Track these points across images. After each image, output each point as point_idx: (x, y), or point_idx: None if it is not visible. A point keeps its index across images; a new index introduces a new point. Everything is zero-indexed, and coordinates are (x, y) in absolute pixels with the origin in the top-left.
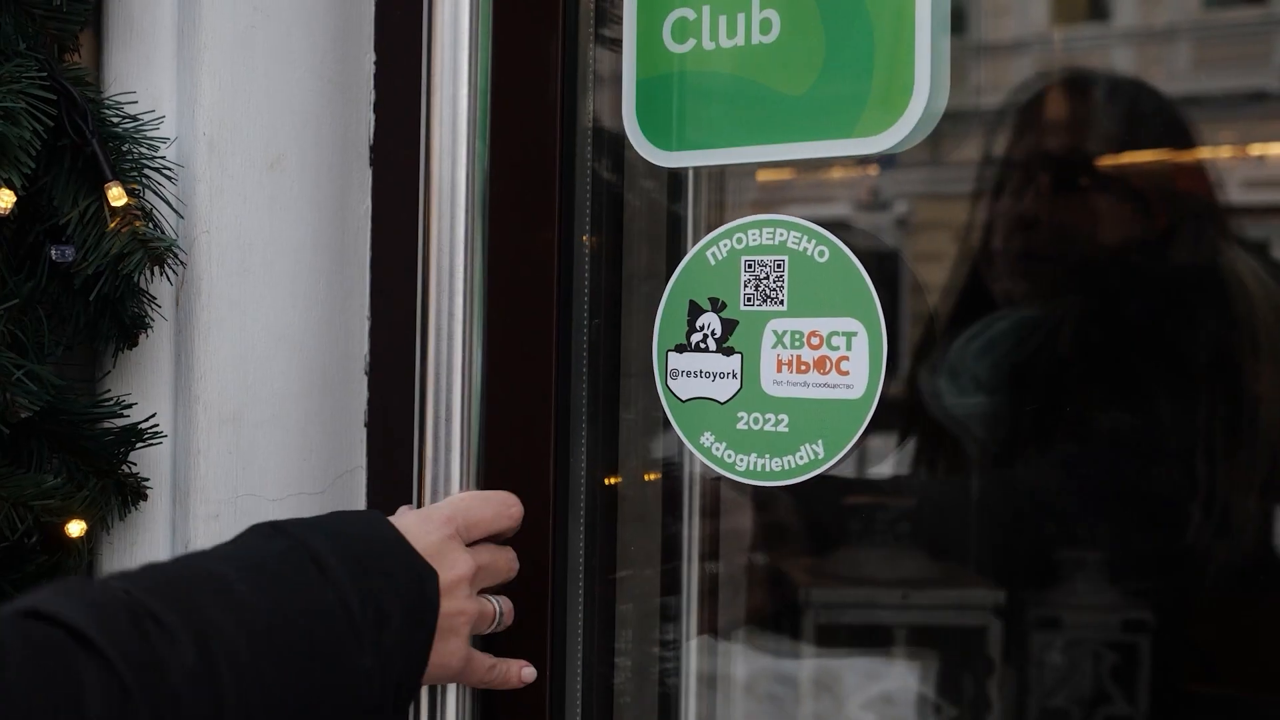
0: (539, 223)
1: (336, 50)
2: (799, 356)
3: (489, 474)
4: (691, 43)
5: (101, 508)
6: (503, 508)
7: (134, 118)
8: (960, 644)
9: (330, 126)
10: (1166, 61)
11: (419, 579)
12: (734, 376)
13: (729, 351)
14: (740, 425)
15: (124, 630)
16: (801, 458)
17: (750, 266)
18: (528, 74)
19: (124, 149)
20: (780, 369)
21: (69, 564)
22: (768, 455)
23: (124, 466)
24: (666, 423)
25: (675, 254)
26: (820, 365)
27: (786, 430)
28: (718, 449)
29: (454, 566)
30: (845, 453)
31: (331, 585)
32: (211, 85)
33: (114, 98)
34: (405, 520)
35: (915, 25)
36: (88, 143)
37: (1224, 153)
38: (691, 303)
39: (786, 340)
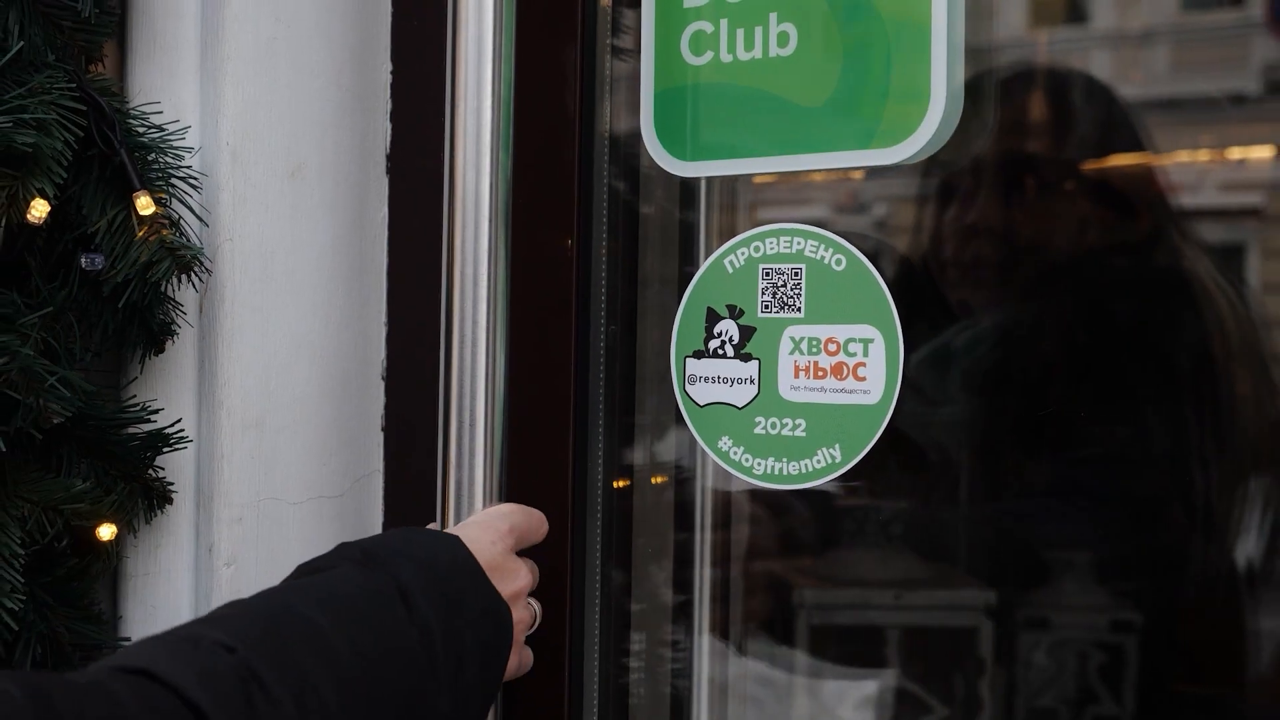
0: (558, 231)
1: (354, 61)
2: (816, 362)
3: (510, 479)
4: (709, 55)
5: (128, 511)
6: (540, 522)
7: (159, 128)
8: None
9: (349, 135)
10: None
11: (497, 615)
12: (751, 382)
13: (747, 357)
14: (758, 430)
15: (233, 701)
16: (819, 461)
17: (768, 274)
18: (548, 85)
19: (150, 158)
20: (798, 375)
21: (97, 567)
22: (785, 459)
23: (150, 471)
24: (683, 427)
25: (692, 261)
26: (837, 371)
27: (804, 435)
28: (735, 453)
29: (516, 579)
30: (862, 456)
31: (417, 626)
32: (234, 96)
33: (139, 108)
34: (470, 533)
35: (931, 36)
36: (116, 153)
37: (1191, 156)
38: (709, 310)
39: (804, 346)
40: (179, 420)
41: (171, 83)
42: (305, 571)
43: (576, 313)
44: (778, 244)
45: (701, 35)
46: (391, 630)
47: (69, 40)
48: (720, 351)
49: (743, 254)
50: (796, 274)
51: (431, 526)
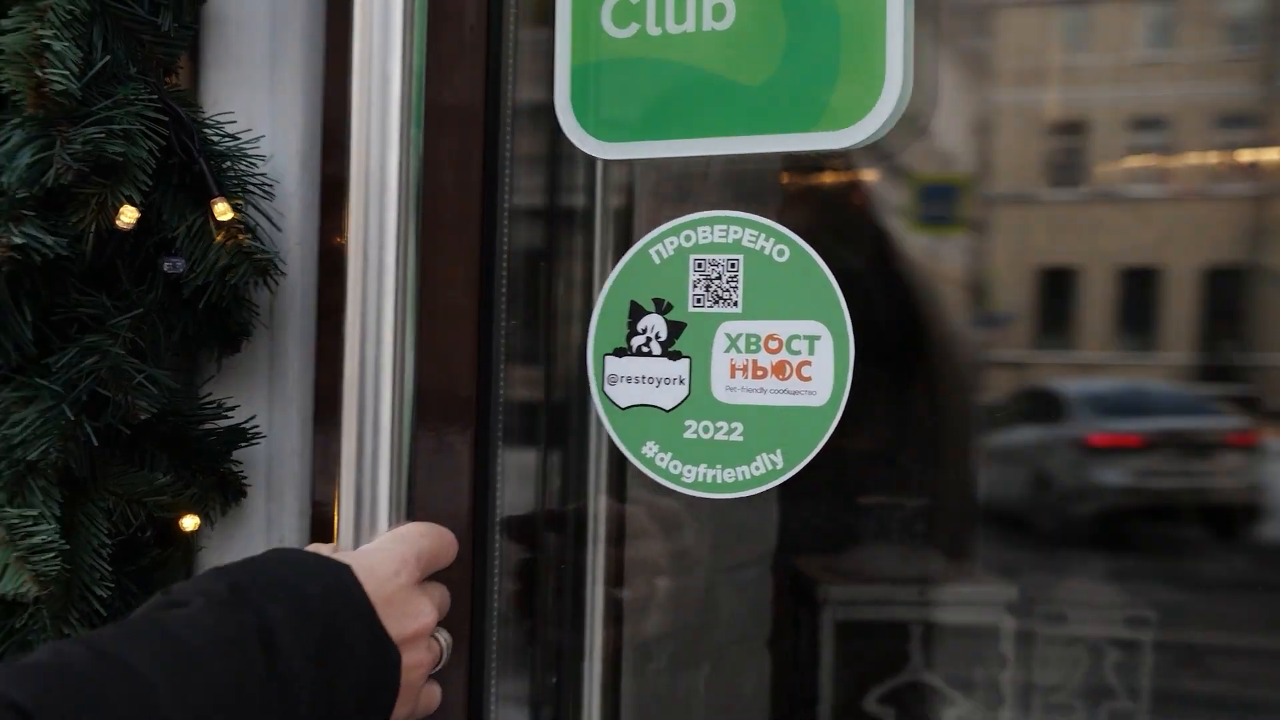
0: (461, 218)
1: None
2: (755, 361)
3: (419, 494)
4: (634, 28)
5: (206, 503)
6: (450, 544)
7: (234, 137)
8: None
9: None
10: None
11: (383, 659)
12: (681, 382)
13: (675, 356)
14: (688, 434)
15: None
16: (758, 468)
17: (700, 266)
18: (448, 66)
19: (225, 166)
20: (734, 374)
21: (178, 556)
22: (719, 466)
23: (227, 465)
24: (602, 432)
25: (614, 251)
26: (779, 370)
27: (741, 439)
28: (662, 459)
29: (419, 615)
30: (807, 462)
31: (279, 675)
32: (303, 106)
33: (214, 118)
34: (368, 561)
35: (887, 10)
36: (195, 161)
37: None
38: (633, 304)
39: (741, 344)
40: (253, 416)
41: (243, 93)
42: (161, 605)
43: (479, 307)
44: (711, 233)
45: (625, 6)
46: (242, 683)
47: (149, 54)
48: (645, 349)
49: (671, 243)
50: (733, 265)
51: (327, 549)
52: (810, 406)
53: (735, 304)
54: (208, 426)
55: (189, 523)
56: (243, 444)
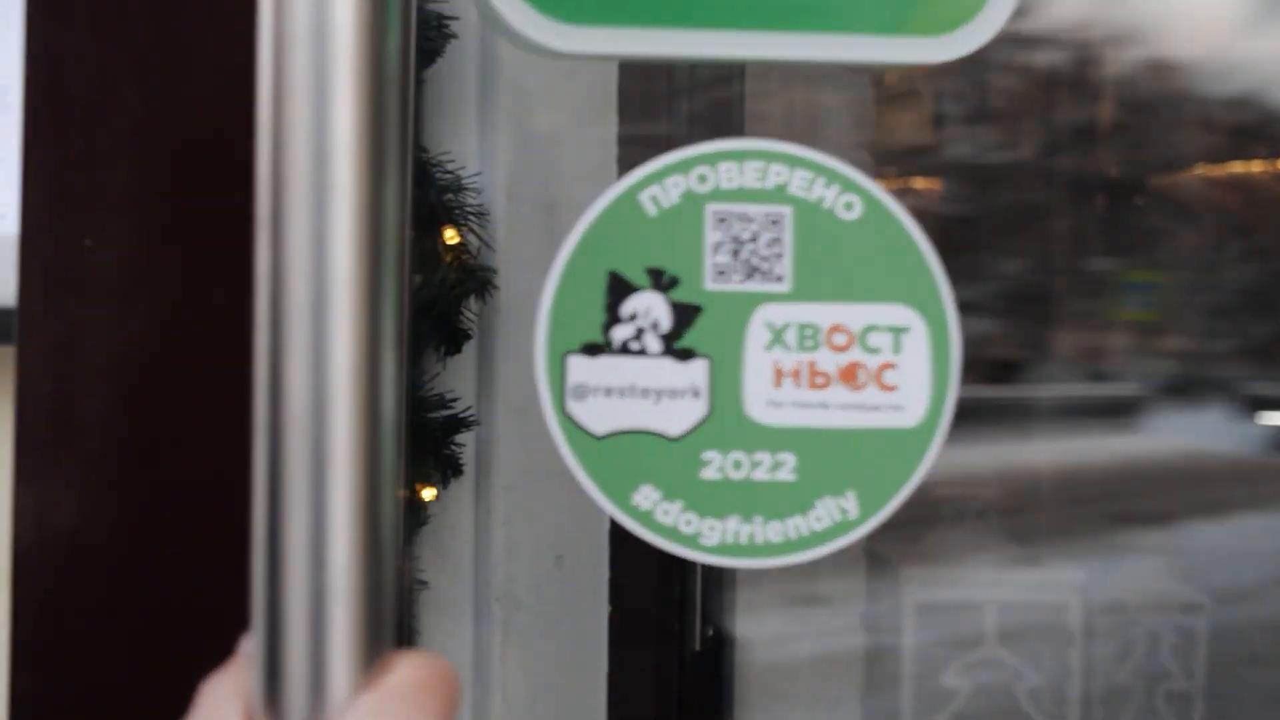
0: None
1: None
2: (813, 364)
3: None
4: None
5: (430, 479)
6: (457, 687)
7: (453, 174)
8: None
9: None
10: None
11: None
12: (695, 395)
13: (685, 355)
14: (708, 473)
15: None
16: (820, 519)
17: (724, 222)
18: None
19: (446, 198)
20: (780, 382)
21: (413, 521)
22: (759, 519)
23: (448, 447)
24: (560, 468)
25: (577, 194)
26: (849, 376)
27: (793, 478)
28: (666, 513)
29: None
30: (894, 507)
31: None
32: (505, 145)
33: (437, 157)
34: None
35: None
36: (428, 195)
37: None
38: (613, 276)
39: (790, 338)
40: (469, 407)
41: (456, 136)
42: None
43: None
44: (741, 173)
45: None
46: None
47: None
48: (635, 345)
49: (676, 187)
50: (776, 223)
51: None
52: (897, 428)
53: (780, 279)
54: (432, 415)
55: (428, 494)
56: (464, 430)
